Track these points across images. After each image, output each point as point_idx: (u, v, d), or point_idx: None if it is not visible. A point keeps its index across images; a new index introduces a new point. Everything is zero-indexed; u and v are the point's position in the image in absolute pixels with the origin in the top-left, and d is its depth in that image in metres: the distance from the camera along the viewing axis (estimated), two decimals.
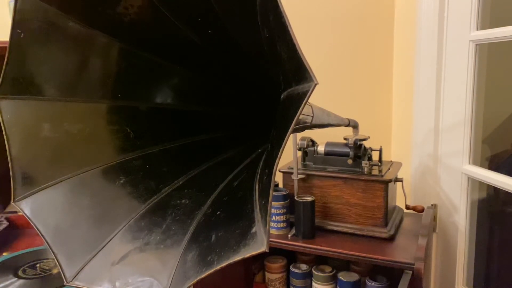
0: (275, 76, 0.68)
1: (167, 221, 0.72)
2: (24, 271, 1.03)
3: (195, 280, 0.57)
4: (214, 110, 0.97)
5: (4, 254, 1.14)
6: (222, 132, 0.97)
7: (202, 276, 0.56)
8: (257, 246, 0.52)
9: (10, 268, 1.04)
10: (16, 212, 1.35)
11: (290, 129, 0.48)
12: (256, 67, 0.81)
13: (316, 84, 0.47)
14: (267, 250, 0.50)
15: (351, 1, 1.47)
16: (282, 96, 0.61)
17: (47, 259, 1.10)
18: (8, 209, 1.37)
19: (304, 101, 0.47)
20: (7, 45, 0.69)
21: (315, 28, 1.50)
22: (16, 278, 1.00)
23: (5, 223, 1.32)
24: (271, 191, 0.51)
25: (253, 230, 0.54)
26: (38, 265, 1.06)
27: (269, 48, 0.62)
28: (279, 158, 0.50)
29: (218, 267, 0.54)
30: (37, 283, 0.99)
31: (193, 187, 0.80)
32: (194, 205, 0.74)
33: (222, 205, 0.71)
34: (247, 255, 0.52)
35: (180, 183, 0.81)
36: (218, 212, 0.69)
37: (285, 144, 0.50)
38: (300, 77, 0.51)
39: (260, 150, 0.85)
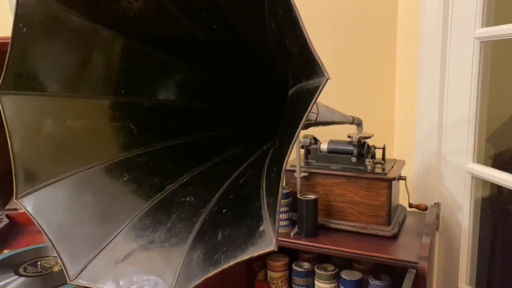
0: (282, 71, 0.67)
1: (171, 219, 0.71)
2: (25, 269, 1.02)
3: (202, 279, 0.56)
4: (218, 107, 0.96)
5: (5, 251, 1.13)
6: (226, 129, 0.96)
7: (209, 275, 0.55)
8: (266, 245, 0.51)
9: (11, 266, 1.03)
10: (16, 209, 1.34)
11: (301, 125, 0.47)
12: (261, 62, 0.79)
13: (327, 79, 0.46)
14: (276, 249, 0.49)
15: None
16: (290, 92, 0.60)
17: (48, 256, 1.09)
18: (8, 206, 1.36)
19: (315, 96, 0.46)
20: (8, 41, 0.68)
21: (318, 26, 1.49)
22: (17, 276, 0.98)
23: (5, 221, 1.31)
24: (280, 189, 0.50)
25: (261, 228, 0.53)
26: (39, 263, 1.05)
27: (277, 43, 0.61)
28: (289, 155, 0.49)
29: (226, 266, 0.53)
30: (38, 281, 0.98)
31: (198, 184, 0.79)
32: (199, 202, 0.73)
33: (228, 203, 0.70)
34: (255, 254, 0.51)
35: (185, 180, 0.80)
36: (224, 210, 0.67)
37: (295, 140, 0.49)
38: (310, 72, 0.50)
39: (265, 148, 0.84)
